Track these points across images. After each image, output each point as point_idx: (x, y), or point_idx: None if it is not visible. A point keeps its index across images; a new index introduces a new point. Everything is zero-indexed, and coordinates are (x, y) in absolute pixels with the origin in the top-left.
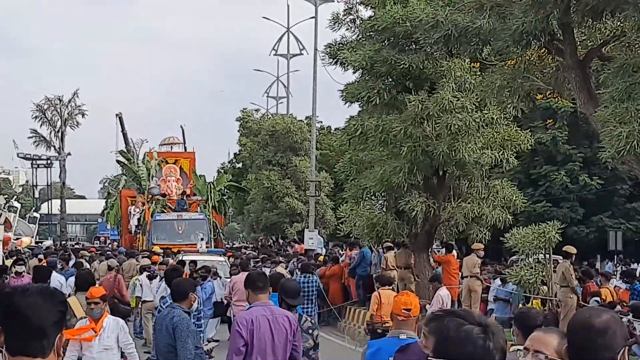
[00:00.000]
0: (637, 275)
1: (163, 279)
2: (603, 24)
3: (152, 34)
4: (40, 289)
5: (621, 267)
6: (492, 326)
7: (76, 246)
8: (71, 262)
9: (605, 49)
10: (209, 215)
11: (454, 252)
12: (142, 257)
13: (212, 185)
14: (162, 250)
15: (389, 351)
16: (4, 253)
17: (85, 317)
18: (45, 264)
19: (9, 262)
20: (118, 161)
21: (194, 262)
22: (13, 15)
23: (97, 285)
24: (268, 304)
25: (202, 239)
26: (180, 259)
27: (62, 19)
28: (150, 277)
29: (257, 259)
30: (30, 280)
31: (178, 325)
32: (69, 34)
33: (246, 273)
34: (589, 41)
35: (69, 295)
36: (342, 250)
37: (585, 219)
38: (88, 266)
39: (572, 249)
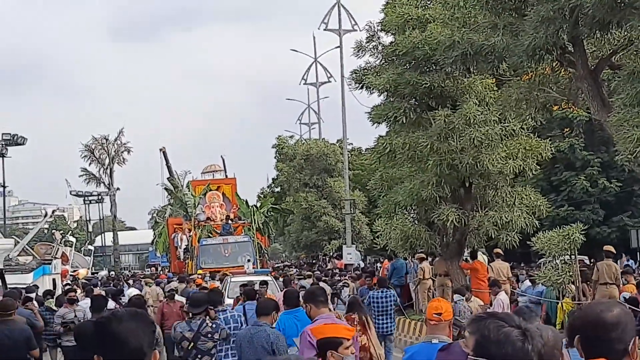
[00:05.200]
0: None
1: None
2: (611, 34)
3: (191, 70)
4: (131, 313)
5: None
6: (531, 330)
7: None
8: (126, 290)
9: (614, 58)
10: (254, 237)
11: (481, 258)
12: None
13: (255, 208)
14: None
15: (422, 355)
16: (62, 285)
17: None
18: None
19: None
20: (167, 189)
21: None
22: (67, 62)
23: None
24: (332, 315)
25: (248, 260)
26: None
27: (107, 61)
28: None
29: (301, 277)
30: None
31: (276, 342)
32: (115, 74)
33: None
34: (598, 52)
35: None
36: (379, 263)
37: (607, 220)
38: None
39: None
